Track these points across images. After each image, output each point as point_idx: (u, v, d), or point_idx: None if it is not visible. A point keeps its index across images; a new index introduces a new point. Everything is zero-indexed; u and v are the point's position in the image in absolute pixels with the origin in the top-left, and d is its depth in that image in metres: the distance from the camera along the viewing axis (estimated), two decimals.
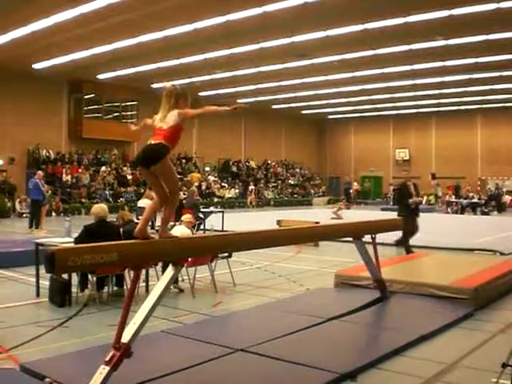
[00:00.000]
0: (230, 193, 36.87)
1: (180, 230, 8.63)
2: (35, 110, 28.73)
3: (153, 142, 4.88)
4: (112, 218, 9.73)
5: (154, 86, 31.27)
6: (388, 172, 45.49)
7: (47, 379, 4.81)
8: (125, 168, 32.61)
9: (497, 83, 30.10)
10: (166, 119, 4.97)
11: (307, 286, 9.74)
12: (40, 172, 19.37)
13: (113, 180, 31.05)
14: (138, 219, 15.30)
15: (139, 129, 5.73)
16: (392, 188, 37.23)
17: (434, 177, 40.40)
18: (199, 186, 32.14)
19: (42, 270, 6.00)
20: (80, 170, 30.02)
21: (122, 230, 8.73)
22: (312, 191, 44.22)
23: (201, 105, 5.26)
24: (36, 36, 20.61)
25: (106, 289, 8.56)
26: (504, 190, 37.22)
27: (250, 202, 36.38)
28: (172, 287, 8.60)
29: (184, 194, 17.90)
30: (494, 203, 34.28)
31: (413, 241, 15.27)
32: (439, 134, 42.81)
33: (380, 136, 45.60)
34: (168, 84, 5.16)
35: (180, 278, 9.17)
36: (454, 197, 36.12)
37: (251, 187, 37.76)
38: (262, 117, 41.71)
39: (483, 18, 18.43)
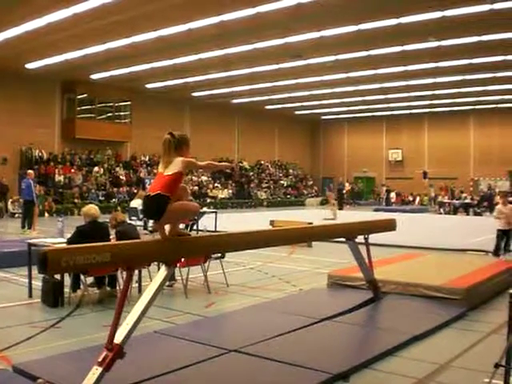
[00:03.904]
0: (223, 193, 36.85)
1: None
2: (28, 110, 28.63)
3: (151, 194, 4.73)
4: (105, 218, 9.72)
5: (148, 86, 31.30)
6: (381, 173, 45.60)
7: (40, 380, 4.80)
8: (118, 168, 32.55)
9: (490, 84, 30.20)
10: (169, 166, 4.79)
11: (300, 287, 9.75)
12: (31, 172, 19.15)
13: (105, 180, 30.99)
14: (130, 219, 15.33)
15: None
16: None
17: (425, 175, 40.54)
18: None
19: (35, 270, 5.99)
20: (73, 171, 29.93)
21: (115, 230, 8.71)
22: (305, 192, 44.29)
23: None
24: (29, 36, 20.55)
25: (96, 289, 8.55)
26: (496, 190, 37.34)
27: None
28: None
29: None
30: (486, 204, 34.39)
31: (406, 241, 15.35)
32: (432, 135, 42.93)
33: (373, 137, 45.70)
34: (166, 135, 4.93)
35: None
36: (446, 197, 36.25)
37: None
38: (255, 117, 41.78)
39: (476, 19, 18.48)
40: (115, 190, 30.65)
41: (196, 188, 34.62)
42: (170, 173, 4.75)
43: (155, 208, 4.72)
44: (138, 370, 5.11)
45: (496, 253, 13.44)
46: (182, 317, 7.58)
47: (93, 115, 31.80)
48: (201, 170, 38.38)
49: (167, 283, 8.79)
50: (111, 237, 8.54)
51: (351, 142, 47.27)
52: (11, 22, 19.19)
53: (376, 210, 33.50)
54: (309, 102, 37.75)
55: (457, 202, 34.14)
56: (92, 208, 8.72)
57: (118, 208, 24.22)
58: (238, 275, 10.79)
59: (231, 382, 5.06)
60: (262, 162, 43.78)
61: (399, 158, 44.59)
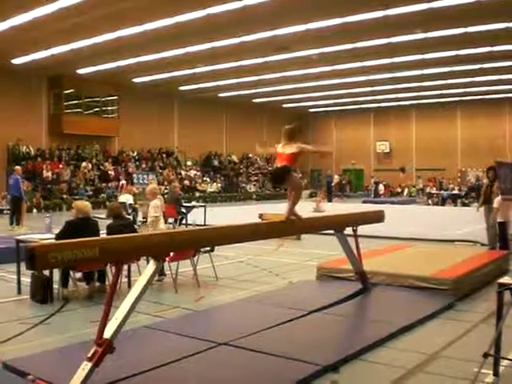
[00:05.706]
0: (212, 187, 36.81)
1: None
2: (15, 106, 28.39)
3: (278, 165, 6.47)
4: (95, 214, 9.67)
5: (135, 80, 31.17)
6: (369, 165, 45.67)
7: (30, 376, 4.79)
8: (106, 163, 32.40)
9: (476, 76, 30.28)
10: (285, 148, 6.49)
11: (289, 279, 9.77)
12: (18, 167, 19.04)
13: (94, 176, 30.83)
14: None
15: (262, 151, 7.25)
16: None
17: (403, 171, 40.80)
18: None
19: (23, 266, 5.97)
20: (61, 166, 29.75)
21: (107, 224, 8.72)
22: None
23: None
24: (15, 31, 20.36)
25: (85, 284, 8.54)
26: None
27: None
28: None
29: (166, 189, 17.82)
30: (474, 194, 34.55)
31: (394, 233, 15.40)
32: (419, 127, 43.02)
33: (361, 129, 45.73)
34: (287, 126, 6.72)
35: None
36: (434, 189, 36.38)
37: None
38: (243, 110, 41.71)
39: (463, 11, 18.51)
40: (104, 185, 30.52)
41: (186, 182, 34.57)
42: (288, 152, 6.43)
43: (282, 173, 6.46)
44: (127, 365, 5.11)
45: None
46: (172, 311, 7.58)
47: (80, 110, 31.59)
48: (189, 164, 38.34)
49: (156, 278, 8.79)
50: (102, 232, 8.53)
51: (339, 134, 47.23)
52: None
53: (364, 202, 33.57)
54: (296, 95, 37.70)
55: (445, 193, 34.29)
56: (87, 206, 8.86)
57: (107, 203, 24.09)
58: (228, 269, 10.80)
59: (221, 375, 5.06)
60: (251, 155, 43.71)
61: (387, 150, 44.65)
